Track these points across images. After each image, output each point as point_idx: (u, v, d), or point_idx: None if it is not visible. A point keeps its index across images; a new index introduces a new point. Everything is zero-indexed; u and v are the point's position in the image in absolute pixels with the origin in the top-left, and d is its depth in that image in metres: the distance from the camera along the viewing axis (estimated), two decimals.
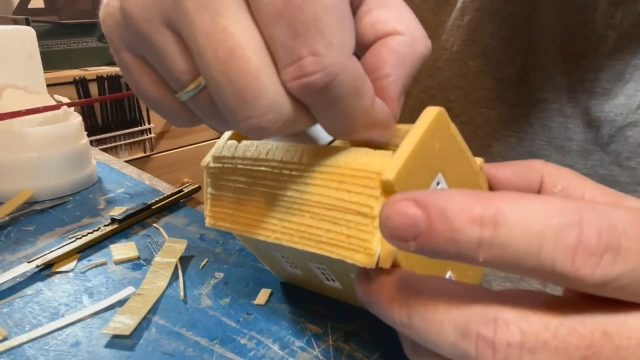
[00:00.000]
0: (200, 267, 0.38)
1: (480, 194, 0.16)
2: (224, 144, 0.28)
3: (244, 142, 0.27)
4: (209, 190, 0.28)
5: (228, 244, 0.42)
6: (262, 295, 0.34)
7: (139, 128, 1.68)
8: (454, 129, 0.22)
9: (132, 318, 0.31)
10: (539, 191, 0.23)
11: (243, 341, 0.29)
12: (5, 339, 0.30)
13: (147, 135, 1.72)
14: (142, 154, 1.73)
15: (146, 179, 0.58)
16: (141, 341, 0.30)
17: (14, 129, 0.49)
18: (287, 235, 0.23)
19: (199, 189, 0.53)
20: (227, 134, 0.29)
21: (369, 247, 0.20)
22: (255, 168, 0.25)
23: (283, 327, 0.31)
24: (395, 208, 0.16)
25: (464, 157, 0.23)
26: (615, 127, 0.34)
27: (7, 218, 0.46)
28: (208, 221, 0.28)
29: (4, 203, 0.48)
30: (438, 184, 0.22)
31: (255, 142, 0.26)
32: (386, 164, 0.20)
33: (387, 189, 0.20)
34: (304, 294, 0.34)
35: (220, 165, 0.27)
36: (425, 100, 0.43)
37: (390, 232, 0.16)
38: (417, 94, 0.44)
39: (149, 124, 1.71)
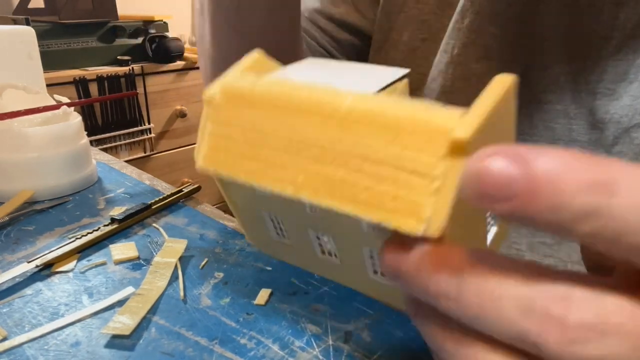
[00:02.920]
0: (200, 267, 0.38)
1: (592, 157, 0.14)
2: (241, 72, 0.23)
3: (270, 75, 0.22)
4: (209, 126, 0.23)
5: (228, 244, 0.42)
6: (262, 295, 0.34)
7: (139, 128, 1.68)
8: (515, 104, 0.20)
9: (131, 318, 0.31)
10: None
11: (243, 341, 0.29)
12: (5, 339, 0.30)
13: (147, 135, 1.72)
14: (142, 154, 1.73)
15: (146, 179, 0.58)
16: (141, 341, 0.30)
17: (13, 128, 0.49)
18: (311, 189, 0.20)
19: (199, 188, 0.53)
20: (245, 62, 0.24)
21: (421, 211, 0.17)
22: (282, 105, 0.21)
23: (283, 327, 0.31)
24: (490, 161, 0.14)
25: (512, 136, 0.21)
26: (621, 129, 0.34)
27: (7, 218, 0.45)
28: (201, 164, 0.23)
29: (3, 203, 0.48)
30: None
31: (287, 75, 0.22)
32: (456, 122, 0.17)
33: (456, 149, 0.17)
34: (304, 293, 0.34)
35: (232, 97, 0.22)
36: None
37: (479, 189, 0.14)
38: (419, 97, 0.44)
39: (149, 124, 1.71)
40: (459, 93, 0.41)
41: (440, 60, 0.42)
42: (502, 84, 0.18)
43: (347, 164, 0.19)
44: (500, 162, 0.14)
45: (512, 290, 0.15)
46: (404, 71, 0.24)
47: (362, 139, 0.19)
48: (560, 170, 0.13)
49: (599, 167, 0.14)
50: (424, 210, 0.17)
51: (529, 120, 0.39)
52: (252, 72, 0.24)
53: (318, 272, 0.29)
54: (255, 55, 0.24)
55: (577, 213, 0.13)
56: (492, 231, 0.23)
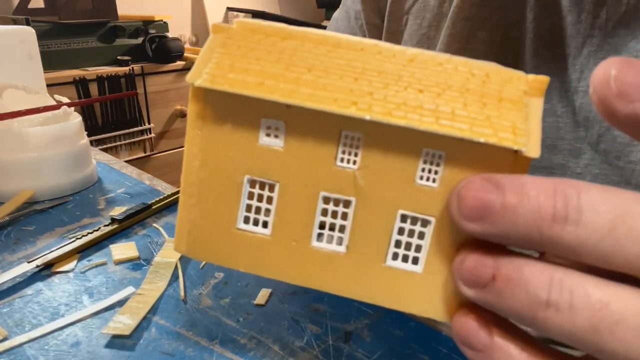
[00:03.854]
0: (200, 267, 0.38)
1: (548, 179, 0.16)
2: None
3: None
4: (219, 49, 0.19)
5: None
6: (262, 295, 0.34)
7: (139, 128, 1.68)
8: None
9: (132, 318, 0.31)
10: None
11: (243, 341, 0.29)
12: (5, 339, 0.30)
13: (147, 135, 1.72)
14: (142, 154, 1.73)
15: (146, 179, 0.58)
16: (141, 341, 0.30)
17: (14, 129, 0.49)
18: (383, 109, 0.18)
19: None
20: None
21: (519, 128, 0.17)
22: (330, 43, 0.19)
23: (283, 327, 0.31)
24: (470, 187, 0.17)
25: None
26: (604, 127, 0.35)
27: (7, 218, 0.46)
28: (205, 82, 0.19)
29: (4, 203, 0.48)
30: None
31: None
32: (523, 73, 0.19)
33: (536, 89, 0.18)
34: (304, 293, 0.34)
35: (256, 28, 0.20)
36: None
37: (460, 209, 0.17)
38: None
39: (149, 124, 1.71)
40: None
41: None
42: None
43: (425, 90, 0.18)
44: (478, 186, 0.17)
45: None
46: None
47: (439, 73, 0.19)
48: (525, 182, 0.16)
49: (558, 182, 0.16)
50: (521, 128, 0.17)
51: None
52: None
53: (294, 277, 0.21)
54: None
55: (549, 214, 0.15)
56: None
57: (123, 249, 0.40)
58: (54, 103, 0.55)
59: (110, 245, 0.41)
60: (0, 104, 0.51)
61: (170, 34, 1.77)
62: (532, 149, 0.17)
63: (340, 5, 0.57)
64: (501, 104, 0.18)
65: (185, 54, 1.76)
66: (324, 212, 0.20)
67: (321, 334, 0.30)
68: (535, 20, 0.38)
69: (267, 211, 0.20)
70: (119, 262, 0.39)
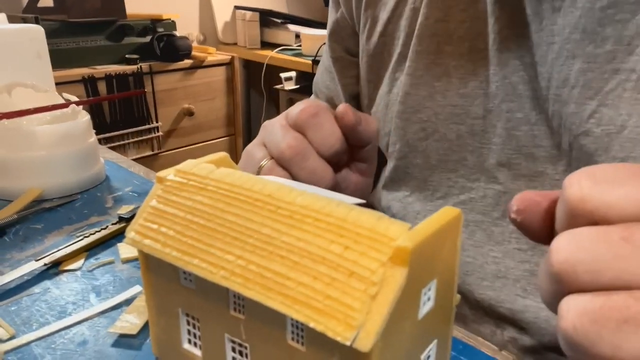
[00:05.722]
0: None
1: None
2: (197, 164, 0.23)
3: (226, 168, 0.23)
4: (152, 203, 0.22)
5: None
6: None
7: (147, 126, 1.69)
8: (459, 241, 0.20)
9: (139, 317, 0.31)
10: None
11: None
12: (12, 337, 0.30)
13: (155, 133, 1.72)
14: (150, 152, 1.74)
15: (154, 177, 0.58)
16: (148, 341, 0.29)
17: (22, 127, 0.49)
18: (241, 277, 0.18)
19: None
20: (208, 157, 0.24)
21: (352, 315, 0.16)
22: (231, 195, 0.21)
23: None
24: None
25: (452, 279, 0.21)
26: (572, 135, 0.35)
27: (16, 216, 0.46)
28: (131, 237, 0.22)
29: (12, 201, 0.48)
30: (429, 289, 0.19)
31: (243, 172, 0.22)
32: (402, 232, 0.17)
33: (399, 258, 0.16)
34: None
35: (184, 181, 0.22)
36: (400, 124, 0.45)
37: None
38: (391, 117, 0.46)
39: (157, 122, 1.72)
40: (427, 110, 0.43)
41: (406, 82, 0.44)
42: (445, 215, 0.19)
43: (286, 257, 0.18)
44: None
45: None
46: (360, 201, 0.23)
47: (305, 234, 0.18)
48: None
49: None
50: (355, 315, 0.16)
51: (493, 130, 0.40)
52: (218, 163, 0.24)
53: None
54: (221, 155, 0.25)
55: None
56: (427, 307, 0.20)
57: (131, 248, 0.40)
58: (63, 101, 0.55)
59: (118, 244, 0.41)
60: (9, 102, 0.52)
61: (178, 33, 1.77)
62: (364, 340, 0.15)
63: None
64: (350, 280, 0.16)
65: (193, 53, 1.77)
66: (233, 350, 0.21)
67: None
68: (501, 30, 0.38)
69: (200, 337, 0.23)
70: (127, 261, 0.39)
